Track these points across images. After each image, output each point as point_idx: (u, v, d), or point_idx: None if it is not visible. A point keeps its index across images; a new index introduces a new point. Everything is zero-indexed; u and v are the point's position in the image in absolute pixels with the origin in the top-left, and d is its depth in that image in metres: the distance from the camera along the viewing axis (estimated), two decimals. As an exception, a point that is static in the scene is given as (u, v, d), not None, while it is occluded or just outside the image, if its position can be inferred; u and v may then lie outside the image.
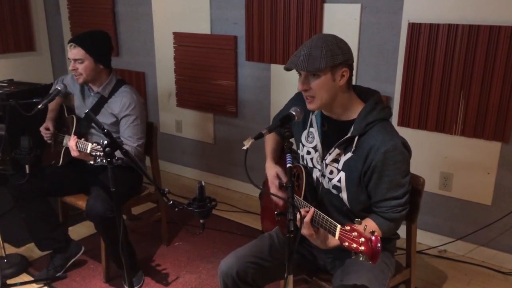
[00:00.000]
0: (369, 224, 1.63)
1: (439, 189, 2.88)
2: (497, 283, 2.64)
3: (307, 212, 1.56)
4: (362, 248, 1.32)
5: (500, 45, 2.48)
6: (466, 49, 2.58)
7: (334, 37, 1.63)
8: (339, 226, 1.45)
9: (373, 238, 1.31)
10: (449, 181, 2.83)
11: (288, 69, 1.65)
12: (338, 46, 1.60)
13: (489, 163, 2.68)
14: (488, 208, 2.75)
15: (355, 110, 1.69)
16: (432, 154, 2.83)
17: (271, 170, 1.94)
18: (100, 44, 2.48)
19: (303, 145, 1.86)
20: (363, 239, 1.33)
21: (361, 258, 1.34)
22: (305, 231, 1.55)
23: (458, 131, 2.71)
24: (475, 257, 2.85)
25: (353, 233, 1.37)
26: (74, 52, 2.40)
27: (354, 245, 1.35)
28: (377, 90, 1.77)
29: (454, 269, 2.76)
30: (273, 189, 1.89)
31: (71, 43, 2.41)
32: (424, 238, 2.99)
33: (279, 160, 2.01)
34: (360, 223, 1.39)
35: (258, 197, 2.30)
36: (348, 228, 1.39)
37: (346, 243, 1.38)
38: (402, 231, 1.87)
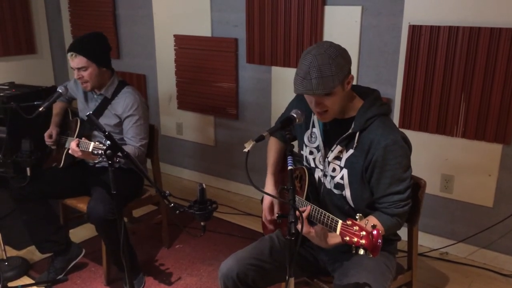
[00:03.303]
0: (370, 220, 1.64)
1: (440, 191, 2.87)
2: (498, 285, 2.63)
3: (304, 210, 1.58)
4: (363, 241, 1.34)
5: (501, 47, 2.48)
6: (467, 51, 2.58)
7: (334, 47, 1.60)
8: (340, 221, 1.46)
9: (374, 232, 1.33)
10: (450, 183, 2.83)
11: (300, 93, 1.62)
12: (341, 56, 1.59)
13: (490, 165, 2.67)
14: (489, 210, 2.75)
15: (355, 108, 1.70)
16: (433, 156, 2.83)
17: (268, 185, 1.96)
18: (99, 47, 2.48)
19: (306, 146, 1.86)
20: (364, 233, 1.34)
21: (361, 252, 1.35)
22: (304, 229, 1.55)
23: (459, 133, 2.71)
24: (476, 259, 2.85)
25: (354, 227, 1.38)
26: (76, 61, 2.39)
27: (355, 239, 1.36)
28: (376, 89, 1.78)
29: (455, 272, 2.76)
30: (264, 217, 1.92)
31: (71, 53, 2.39)
32: (425, 240, 2.99)
33: (281, 172, 2.01)
34: (361, 218, 1.40)
35: (260, 202, 2.30)
36: (349, 222, 1.41)
37: (347, 238, 1.39)
38: (403, 233, 1.87)
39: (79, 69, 2.41)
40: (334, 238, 1.59)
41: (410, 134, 2.79)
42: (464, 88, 2.64)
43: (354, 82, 1.74)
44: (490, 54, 2.52)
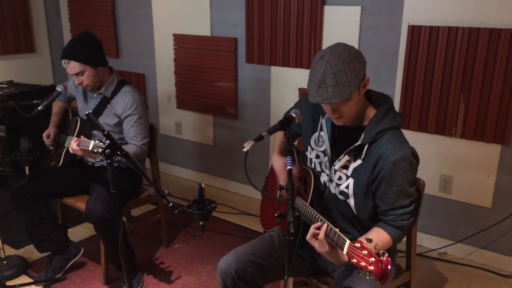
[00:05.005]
0: (380, 237, 1.62)
1: (439, 191, 2.87)
2: (497, 285, 2.63)
3: (318, 227, 1.53)
4: (372, 268, 1.30)
5: (500, 47, 2.48)
6: (466, 52, 2.58)
7: (348, 51, 1.54)
8: (348, 241, 1.42)
9: (384, 259, 1.29)
10: (449, 184, 2.83)
11: (316, 102, 1.57)
12: (356, 58, 1.54)
13: (489, 166, 2.68)
14: (488, 210, 2.75)
15: (367, 116, 1.67)
16: (432, 156, 2.83)
17: (278, 161, 1.93)
18: (90, 48, 2.45)
19: (312, 148, 1.84)
20: (373, 259, 1.31)
21: (367, 277, 1.32)
22: (320, 249, 1.53)
23: (458, 134, 2.71)
24: (475, 259, 2.85)
25: (363, 251, 1.34)
26: (71, 68, 2.39)
27: (363, 264, 1.32)
28: (389, 95, 1.75)
29: (454, 272, 2.76)
30: (282, 179, 1.88)
31: (64, 60, 2.39)
32: (424, 241, 2.99)
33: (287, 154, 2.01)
34: (370, 241, 1.36)
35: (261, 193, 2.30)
36: (358, 245, 1.37)
37: (355, 260, 1.36)
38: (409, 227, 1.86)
39: (76, 74, 2.41)
40: (345, 257, 1.56)
41: (409, 134, 2.79)
42: (463, 89, 2.64)
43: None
44: (489, 55, 2.52)
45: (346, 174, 1.70)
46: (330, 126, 1.76)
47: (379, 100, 1.71)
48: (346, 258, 1.50)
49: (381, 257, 1.30)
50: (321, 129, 1.80)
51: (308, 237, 1.55)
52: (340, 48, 1.55)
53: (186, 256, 2.89)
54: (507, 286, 2.63)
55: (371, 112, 1.68)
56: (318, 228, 1.53)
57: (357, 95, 1.57)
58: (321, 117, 1.79)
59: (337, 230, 1.49)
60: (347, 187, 1.70)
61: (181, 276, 2.69)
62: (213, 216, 1.64)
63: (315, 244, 1.54)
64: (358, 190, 1.67)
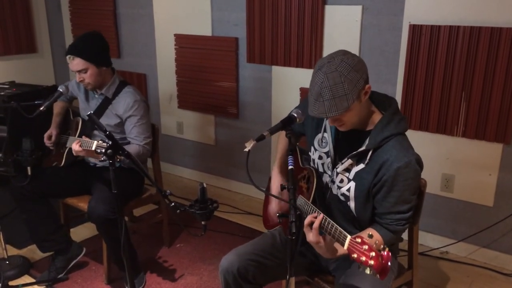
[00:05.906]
0: (376, 237, 1.62)
1: (440, 190, 2.87)
2: (499, 284, 2.63)
3: (315, 217, 1.54)
4: (372, 262, 1.31)
5: (501, 46, 2.48)
6: (467, 51, 2.58)
7: (346, 62, 1.52)
8: (349, 236, 1.42)
9: (384, 253, 1.30)
10: (451, 183, 2.83)
11: (314, 116, 1.57)
12: (354, 69, 1.51)
13: (490, 165, 2.67)
14: (489, 209, 2.75)
15: (372, 120, 1.67)
16: (433, 155, 2.83)
17: (275, 181, 1.96)
18: (97, 47, 2.46)
19: (315, 149, 1.84)
20: (373, 254, 1.31)
21: (367, 271, 1.32)
22: (312, 238, 1.54)
23: (460, 133, 2.71)
24: (477, 258, 2.85)
25: (364, 246, 1.35)
26: (75, 64, 2.40)
27: (364, 258, 1.33)
28: (393, 97, 1.74)
29: (456, 271, 2.76)
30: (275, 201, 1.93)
31: (69, 55, 2.40)
32: (426, 240, 2.99)
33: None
34: (371, 237, 1.37)
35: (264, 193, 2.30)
36: (358, 240, 1.37)
37: (355, 255, 1.36)
38: (404, 232, 1.87)
39: (79, 71, 2.42)
40: (340, 250, 1.56)
41: (410, 133, 2.79)
42: (464, 88, 2.64)
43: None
44: (490, 54, 2.52)
45: (348, 177, 1.70)
46: (334, 128, 1.76)
47: (383, 102, 1.70)
48: (340, 252, 1.52)
49: (382, 252, 1.30)
50: (325, 131, 1.80)
51: (304, 225, 1.56)
52: (338, 58, 1.53)
53: (188, 256, 2.90)
54: (509, 285, 2.63)
55: (376, 116, 1.67)
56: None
57: (357, 105, 1.56)
58: (325, 118, 1.79)
59: (338, 226, 1.50)
60: (348, 190, 1.70)
61: (183, 276, 2.69)
62: (215, 215, 1.64)
63: (309, 233, 1.54)
64: (359, 194, 1.67)
